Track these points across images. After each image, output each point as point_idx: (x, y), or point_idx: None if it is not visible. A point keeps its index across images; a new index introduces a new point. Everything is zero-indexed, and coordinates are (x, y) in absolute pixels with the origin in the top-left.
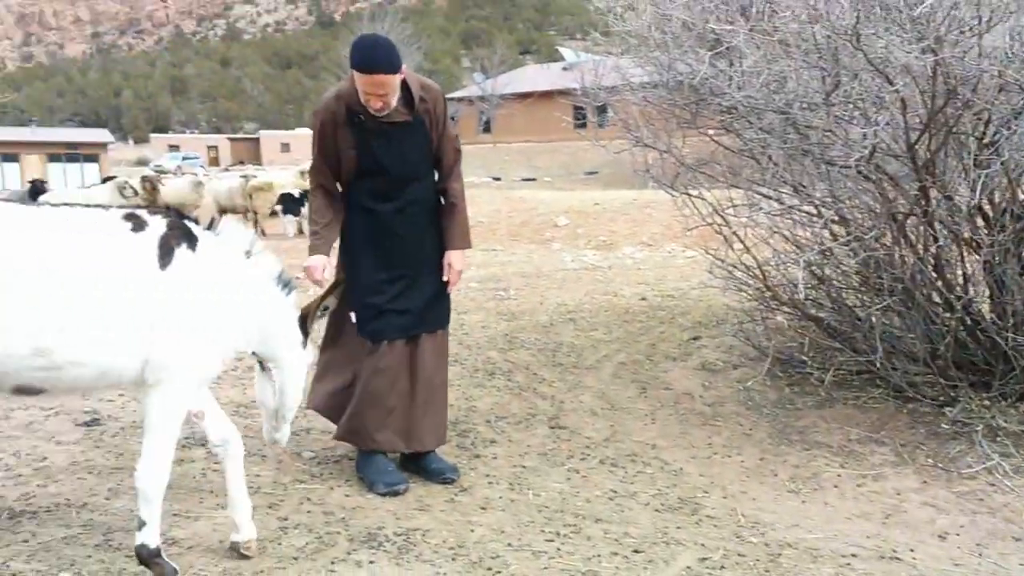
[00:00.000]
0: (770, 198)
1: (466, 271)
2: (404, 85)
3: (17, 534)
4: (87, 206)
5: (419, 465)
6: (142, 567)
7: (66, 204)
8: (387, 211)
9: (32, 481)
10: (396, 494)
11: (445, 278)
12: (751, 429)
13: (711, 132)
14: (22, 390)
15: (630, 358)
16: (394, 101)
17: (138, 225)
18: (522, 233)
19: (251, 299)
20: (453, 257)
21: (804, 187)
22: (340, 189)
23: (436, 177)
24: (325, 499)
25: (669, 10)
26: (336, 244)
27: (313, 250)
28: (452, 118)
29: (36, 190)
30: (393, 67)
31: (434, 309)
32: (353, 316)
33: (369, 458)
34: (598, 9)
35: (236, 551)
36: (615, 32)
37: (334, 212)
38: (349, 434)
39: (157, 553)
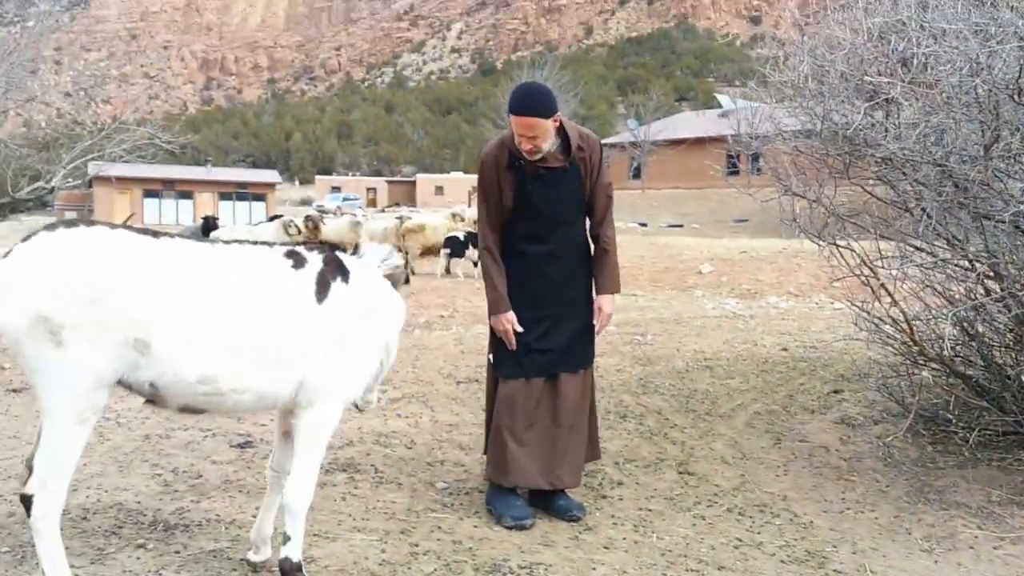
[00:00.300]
0: (922, 251)
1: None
2: (563, 132)
3: (170, 545)
4: (254, 243)
5: (547, 501)
6: None
7: (236, 241)
8: (538, 253)
9: (187, 496)
10: (522, 528)
11: (595, 321)
12: (888, 486)
13: (864, 183)
14: (186, 409)
15: (766, 408)
16: (545, 145)
17: (298, 262)
18: (664, 279)
19: (389, 309)
20: (603, 302)
21: (958, 240)
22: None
23: (588, 223)
24: (455, 528)
25: (827, 61)
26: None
27: (495, 307)
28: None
29: (208, 226)
30: (543, 112)
31: (576, 349)
32: (491, 356)
33: (499, 491)
34: (759, 56)
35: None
36: (772, 82)
37: (501, 270)
38: (490, 468)
39: (299, 568)
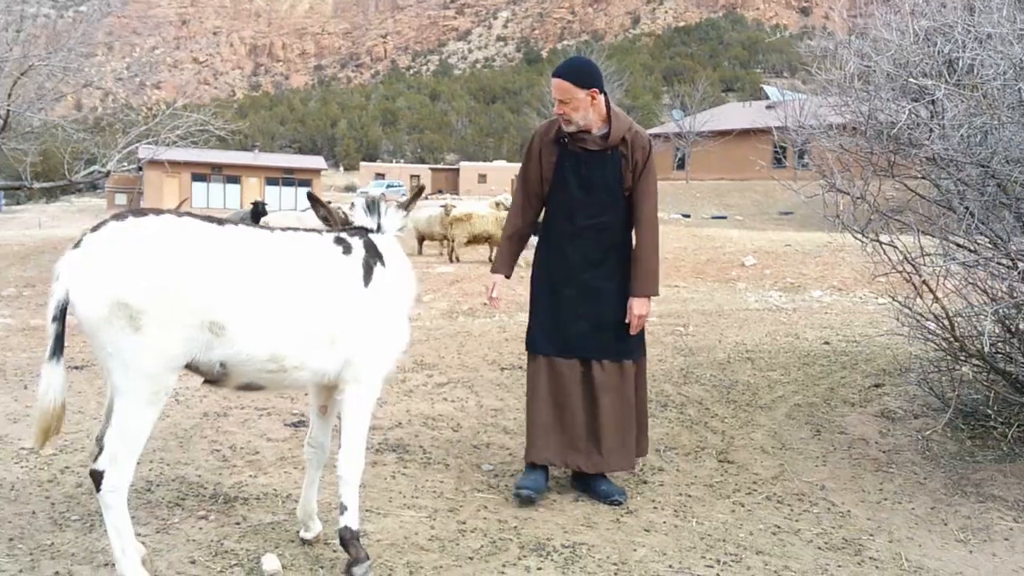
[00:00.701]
0: (965, 248)
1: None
2: (610, 120)
3: (230, 516)
4: (306, 231)
5: (588, 485)
6: (335, 553)
7: (291, 229)
8: (564, 232)
9: (245, 472)
10: (517, 496)
11: (627, 320)
12: (925, 478)
13: (907, 180)
14: (247, 387)
15: (806, 400)
16: (576, 116)
17: (346, 249)
18: (707, 271)
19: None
20: (635, 302)
21: (1001, 239)
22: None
23: (627, 219)
24: (500, 508)
25: (873, 62)
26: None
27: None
28: None
29: (257, 211)
30: (576, 80)
31: (606, 339)
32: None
33: (530, 465)
34: (808, 48)
35: (306, 543)
36: (819, 79)
37: (512, 247)
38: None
39: (357, 536)
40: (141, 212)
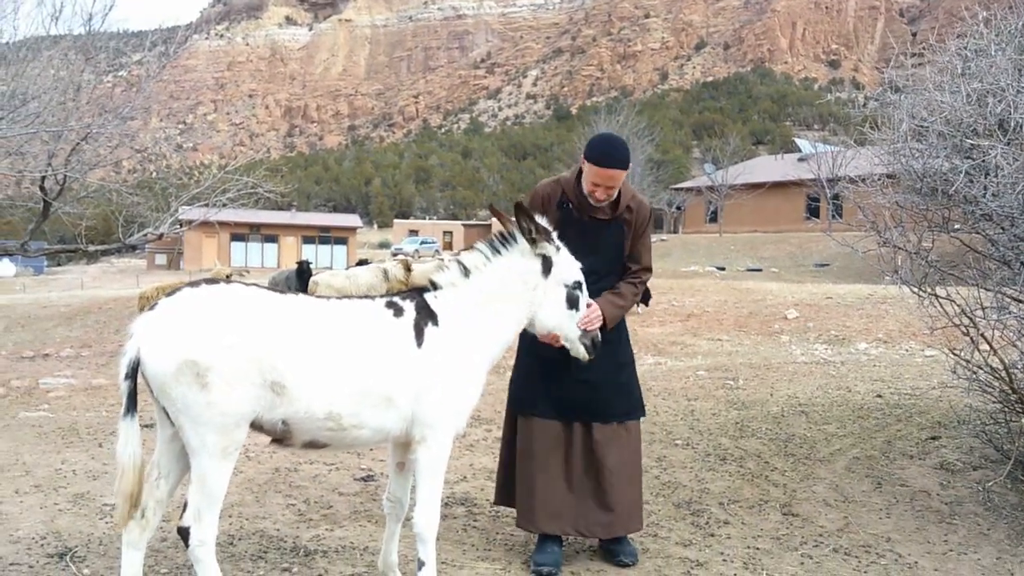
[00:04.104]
0: (1020, 301)
1: (693, 359)
2: (619, 190)
3: (312, 569)
4: (360, 297)
5: (600, 543)
6: None
7: (345, 297)
8: None
9: (321, 525)
10: (538, 574)
11: (583, 327)
12: (989, 529)
13: (961, 236)
14: (310, 445)
15: (864, 453)
16: (615, 196)
17: (397, 312)
18: (749, 324)
19: (487, 324)
20: (602, 303)
21: None
22: None
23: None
24: (571, 560)
25: (927, 122)
26: None
27: None
28: (679, 208)
29: (302, 270)
30: (626, 164)
31: (607, 399)
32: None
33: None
34: (848, 103)
35: None
36: (867, 136)
37: None
38: (518, 518)
39: None
40: (213, 281)
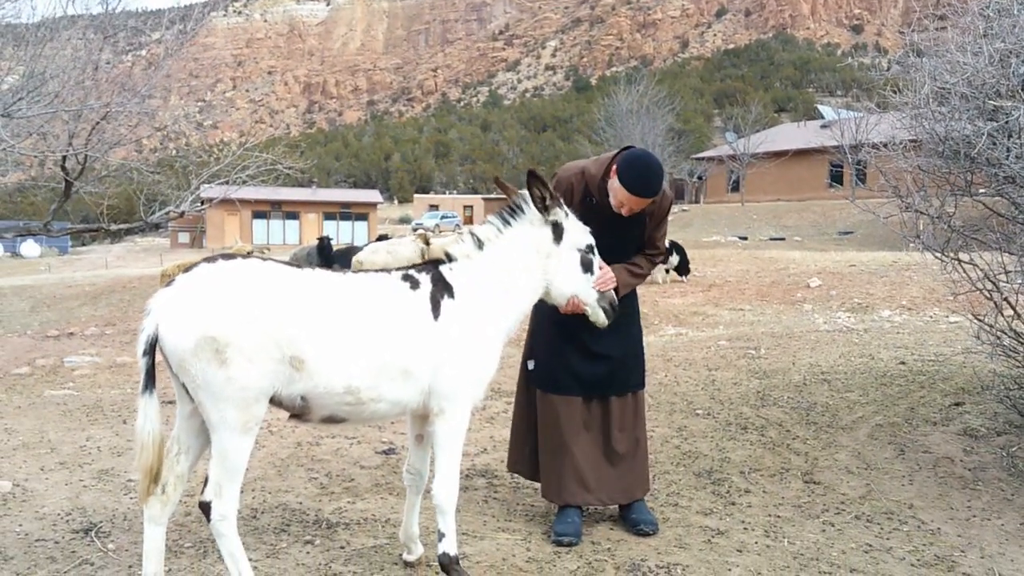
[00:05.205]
0: None
1: (715, 329)
2: None
3: (334, 541)
4: (387, 271)
5: (620, 512)
6: (441, 575)
7: (361, 271)
8: None
9: (343, 498)
10: (559, 544)
11: (598, 288)
12: (1013, 495)
13: (984, 199)
14: (329, 419)
15: (887, 420)
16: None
17: (414, 285)
18: (772, 293)
19: (503, 294)
20: (616, 270)
21: None
22: None
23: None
24: (592, 531)
25: (948, 83)
26: None
27: None
28: (700, 177)
29: (323, 246)
30: (658, 193)
31: (622, 374)
32: (531, 364)
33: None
34: (862, 65)
35: (408, 565)
36: (889, 100)
37: None
38: (544, 490)
39: (456, 561)
40: (230, 256)
